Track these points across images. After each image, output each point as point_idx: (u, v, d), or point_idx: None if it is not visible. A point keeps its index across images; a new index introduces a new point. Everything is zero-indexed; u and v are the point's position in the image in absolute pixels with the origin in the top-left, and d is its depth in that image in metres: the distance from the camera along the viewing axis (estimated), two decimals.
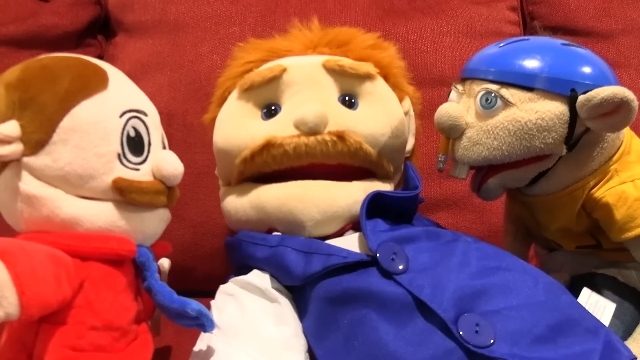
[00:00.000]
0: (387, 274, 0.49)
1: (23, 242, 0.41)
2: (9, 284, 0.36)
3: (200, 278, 0.79)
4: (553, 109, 0.49)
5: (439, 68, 0.85)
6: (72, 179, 0.45)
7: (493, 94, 0.51)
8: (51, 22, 0.89)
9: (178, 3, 0.88)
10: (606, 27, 0.89)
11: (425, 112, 0.71)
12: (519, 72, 0.51)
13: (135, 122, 0.48)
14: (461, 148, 0.53)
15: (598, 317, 0.50)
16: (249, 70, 0.62)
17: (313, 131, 0.55)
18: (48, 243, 0.43)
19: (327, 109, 0.56)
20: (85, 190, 0.46)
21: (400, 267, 0.49)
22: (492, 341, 0.44)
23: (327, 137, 0.55)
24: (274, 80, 0.59)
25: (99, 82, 0.47)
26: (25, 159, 0.44)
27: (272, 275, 0.55)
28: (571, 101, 0.49)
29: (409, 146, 0.66)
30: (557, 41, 0.53)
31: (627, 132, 0.55)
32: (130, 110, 0.48)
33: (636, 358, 0.45)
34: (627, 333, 0.54)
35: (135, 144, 0.48)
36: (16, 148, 0.43)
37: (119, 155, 0.47)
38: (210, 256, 0.80)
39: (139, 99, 0.51)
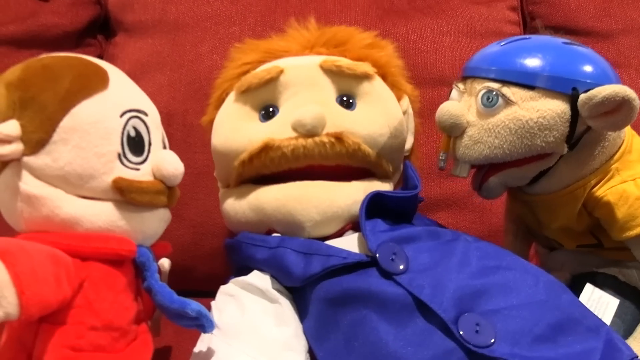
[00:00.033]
0: (387, 275, 0.49)
1: (23, 242, 0.41)
2: (8, 284, 0.36)
3: (200, 278, 0.79)
4: (554, 108, 0.49)
5: (439, 68, 0.85)
6: (72, 178, 0.45)
7: (494, 93, 0.51)
8: (51, 21, 0.89)
9: (178, 3, 0.88)
10: (606, 26, 0.89)
11: (425, 112, 0.71)
12: (520, 70, 0.51)
13: (135, 122, 0.48)
14: (462, 147, 0.53)
15: (600, 314, 0.51)
16: (246, 72, 0.62)
17: (311, 133, 0.55)
18: (48, 243, 0.43)
19: (324, 110, 0.56)
20: (85, 190, 0.46)
21: (400, 267, 0.49)
22: (492, 341, 0.43)
23: (325, 139, 0.55)
24: (271, 81, 0.59)
25: (99, 81, 0.47)
26: (26, 159, 0.44)
27: (272, 276, 0.55)
28: (572, 100, 0.49)
29: (408, 145, 0.65)
30: (559, 40, 0.53)
31: (628, 131, 0.55)
32: (130, 110, 0.48)
33: (637, 357, 0.45)
34: (628, 332, 0.54)
35: (136, 144, 0.48)
36: (16, 147, 0.43)
37: (119, 155, 0.47)
38: (210, 256, 0.80)
39: (140, 99, 0.51)
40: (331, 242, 0.54)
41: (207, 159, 0.67)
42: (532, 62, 0.50)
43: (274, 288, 0.54)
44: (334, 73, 0.59)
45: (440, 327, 0.45)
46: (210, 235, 0.80)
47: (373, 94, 0.60)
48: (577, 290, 0.54)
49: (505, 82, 0.51)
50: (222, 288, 0.57)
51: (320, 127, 0.55)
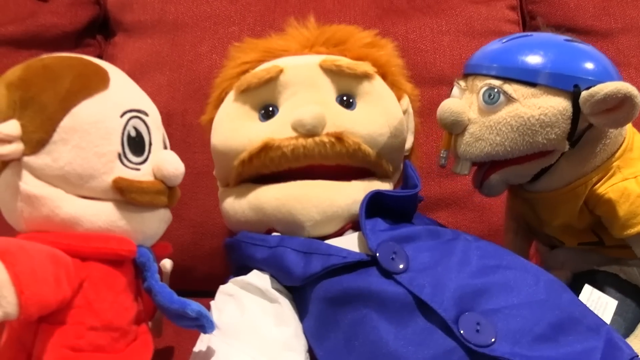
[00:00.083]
0: (387, 274, 0.49)
1: (23, 242, 0.41)
2: (8, 284, 0.36)
3: (200, 278, 0.79)
4: (556, 105, 0.49)
5: (439, 67, 0.85)
6: (72, 178, 0.45)
7: (496, 90, 0.51)
8: (50, 22, 0.89)
9: (177, 3, 0.88)
10: (605, 25, 0.89)
11: (425, 112, 0.71)
12: (521, 67, 0.51)
13: (136, 122, 0.48)
14: (463, 144, 0.53)
15: (600, 314, 0.50)
16: (246, 71, 0.62)
17: (311, 133, 0.55)
18: (48, 243, 0.43)
19: (324, 110, 0.56)
20: (85, 190, 0.46)
21: (401, 266, 0.49)
22: (493, 340, 0.43)
23: (325, 139, 0.55)
24: (271, 81, 0.59)
25: (100, 81, 0.47)
26: (26, 159, 0.44)
27: (272, 276, 0.55)
28: (574, 97, 0.49)
29: (408, 144, 0.65)
30: (560, 37, 0.54)
31: (629, 128, 0.55)
32: (131, 110, 0.48)
33: (638, 356, 0.45)
34: (629, 330, 0.54)
35: (136, 144, 0.48)
36: (17, 147, 0.43)
37: (119, 155, 0.47)
38: (210, 256, 0.80)
39: (140, 99, 0.51)
40: (331, 242, 0.54)
41: (207, 158, 0.67)
42: (534, 60, 0.50)
43: (273, 288, 0.54)
44: (333, 72, 0.59)
45: (440, 326, 0.45)
46: (209, 235, 0.80)
47: (373, 93, 0.60)
48: (578, 288, 0.54)
49: (506, 79, 0.51)
50: (222, 288, 0.57)
51: (321, 127, 0.55)
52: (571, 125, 0.50)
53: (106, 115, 0.46)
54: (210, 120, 0.64)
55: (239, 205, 0.59)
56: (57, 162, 0.44)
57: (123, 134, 0.47)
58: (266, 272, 0.55)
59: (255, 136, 0.56)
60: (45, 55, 0.47)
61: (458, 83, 0.55)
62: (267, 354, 0.49)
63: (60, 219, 0.45)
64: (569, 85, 0.49)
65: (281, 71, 0.59)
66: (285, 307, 0.53)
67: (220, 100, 0.64)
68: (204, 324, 0.49)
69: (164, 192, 0.50)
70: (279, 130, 0.56)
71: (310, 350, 0.53)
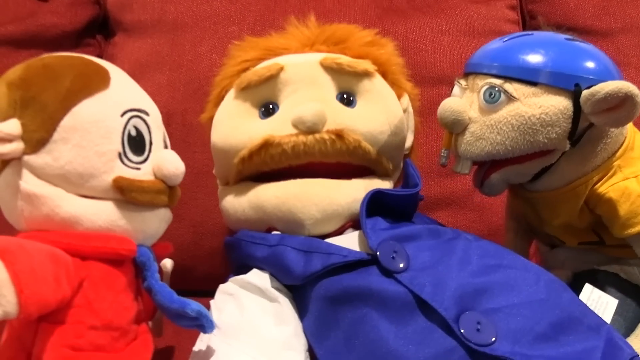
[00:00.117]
0: (388, 273, 0.49)
1: (23, 241, 0.40)
2: (7, 283, 0.36)
3: (200, 277, 0.79)
4: (557, 104, 0.49)
5: (439, 67, 0.85)
6: (73, 177, 0.45)
7: (497, 89, 0.51)
8: (50, 21, 0.89)
9: (177, 2, 0.88)
10: (605, 25, 0.89)
11: (425, 111, 0.71)
12: (522, 66, 0.51)
13: (136, 122, 0.48)
14: (464, 143, 0.53)
15: (600, 313, 0.50)
16: (246, 69, 0.62)
17: (311, 130, 0.55)
18: (48, 242, 0.43)
19: (325, 108, 0.56)
20: (85, 189, 0.46)
21: (401, 265, 0.49)
22: (493, 339, 0.43)
23: (326, 136, 0.55)
24: (271, 79, 0.59)
25: (100, 81, 0.47)
26: (26, 158, 0.44)
27: (271, 275, 0.55)
28: (575, 96, 0.49)
29: (408, 143, 0.65)
30: (561, 36, 0.54)
31: (630, 128, 0.55)
32: (131, 110, 0.48)
33: (638, 355, 0.45)
34: (630, 330, 0.54)
35: (137, 143, 0.48)
36: (17, 146, 0.43)
37: (119, 154, 0.47)
38: (209, 255, 0.80)
39: (141, 99, 0.51)
40: (331, 240, 0.54)
41: (207, 158, 0.67)
42: (535, 58, 0.50)
43: (273, 287, 0.54)
44: (334, 70, 0.59)
45: (441, 325, 0.45)
46: (209, 235, 0.80)
47: (373, 91, 0.60)
48: (578, 287, 0.54)
49: (507, 78, 0.51)
50: (222, 287, 0.56)
51: (321, 124, 0.55)
52: (572, 125, 0.50)
53: (107, 115, 0.46)
54: (210, 119, 0.64)
55: (239, 203, 0.59)
56: (57, 161, 0.44)
57: (123, 133, 0.47)
58: (266, 271, 0.55)
59: (256, 133, 0.56)
60: (45, 55, 0.47)
61: (459, 82, 0.55)
62: (267, 353, 0.49)
63: (61, 218, 0.45)
64: (569, 84, 0.49)
65: (282, 69, 0.59)
66: (285, 306, 0.53)
67: (220, 99, 0.64)
68: (203, 324, 0.49)
69: (165, 192, 0.50)
70: (279, 128, 0.56)
71: (310, 350, 0.52)
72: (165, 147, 0.53)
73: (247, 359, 0.48)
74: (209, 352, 0.50)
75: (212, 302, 0.56)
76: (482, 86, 0.52)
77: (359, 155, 0.57)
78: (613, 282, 0.56)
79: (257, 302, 0.53)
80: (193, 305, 0.48)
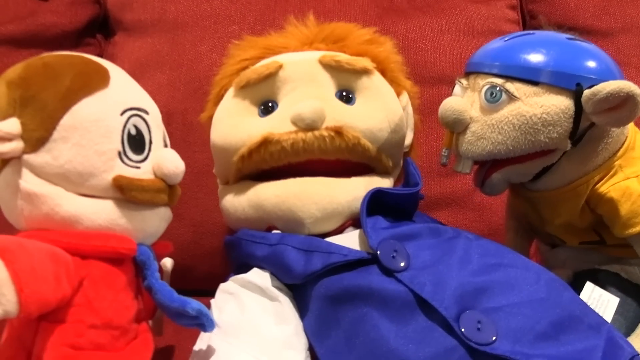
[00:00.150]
0: (388, 272, 0.49)
1: (23, 240, 0.40)
2: (7, 282, 0.36)
3: (200, 277, 0.79)
4: (558, 104, 0.49)
5: (439, 66, 0.85)
6: (73, 176, 0.45)
7: (498, 88, 0.51)
8: (50, 21, 0.89)
9: (177, 2, 0.88)
10: (605, 25, 0.89)
11: (425, 111, 0.71)
12: (524, 66, 0.50)
13: (136, 120, 0.48)
14: (465, 142, 0.53)
15: (601, 312, 0.51)
16: (245, 68, 0.62)
17: (310, 127, 0.55)
18: (48, 241, 0.43)
19: (324, 105, 0.56)
20: (85, 188, 0.46)
21: (401, 264, 0.49)
22: (494, 338, 0.43)
23: (325, 133, 0.55)
24: (270, 77, 0.59)
25: (100, 80, 0.47)
26: (26, 157, 0.44)
27: (272, 274, 0.55)
28: (576, 95, 0.49)
29: (408, 141, 0.65)
30: (562, 35, 0.54)
31: (631, 127, 0.55)
32: (131, 109, 0.48)
33: (639, 354, 0.45)
34: (630, 329, 0.54)
35: (136, 142, 0.48)
36: (17, 145, 0.43)
37: (119, 153, 0.47)
38: (210, 255, 0.80)
39: (141, 97, 0.51)
40: (332, 239, 0.54)
41: (207, 158, 0.67)
42: (536, 58, 0.50)
43: (273, 286, 0.54)
44: (333, 68, 0.59)
45: (441, 324, 0.45)
46: (210, 234, 0.80)
47: (372, 88, 0.60)
48: (579, 287, 0.54)
49: (508, 78, 0.51)
50: (222, 286, 0.56)
51: (320, 121, 0.55)
52: (573, 124, 0.50)
53: (106, 114, 0.46)
54: (210, 118, 0.64)
55: (239, 202, 0.59)
56: (57, 160, 0.44)
57: (123, 132, 0.47)
58: (266, 270, 0.55)
59: (255, 131, 0.56)
60: (45, 54, 0.47)
61: (460, 81, 0.55)
62: (267, 352, 0.49)
63: (61, 217, 0.45)
64: (571, 84, 0.49)
65: (280, 67, 0.59)
66: (285, 305, 0.53)
67: (219, 98, 0.64)
68: (204, 323, 0.49)
69: (164, 191, 0.50)
70: (278, 125, 0.56)
71: (311, 349, 0.52)
72: (165, 146, 0.53)
73: (247, 358, 0.48)
74: (209, 351, 0.50)
75: (212, 301, 0.56)
76: (483, 85, 0.52)
77: (359, 152, 0.57)
78: (614, 282, 0.56)
79: (257, 301, 0.53)
80: (193, 303, 0.48)
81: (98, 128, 0.45)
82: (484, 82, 0.52)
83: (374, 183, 0.57)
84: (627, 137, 0.54)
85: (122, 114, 0.47)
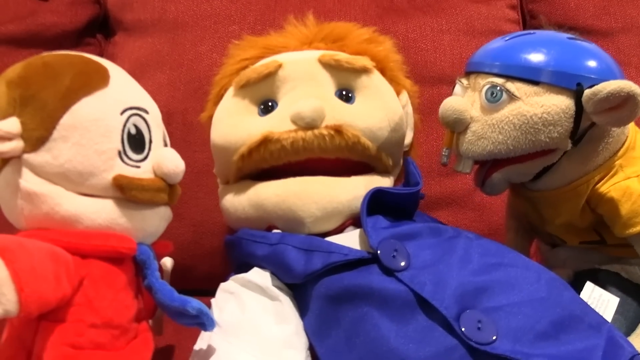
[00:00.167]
0: (389, 271, 0.49)
1: (23, 239, 0.40)
2: (7, 281, 0.36)
3: (200, 277, 0.79)
4: (559, 103, 0.49)
5: (439, 66, 0.85)
6: (72, 176, 0.45)
7: (498, 88, 0.51)
8: (50, 21, 0.89)
9: (177, 2, 0.88)
10: (606, 25, 0.89)
11: (425, 111, 0.71)
12: (524, 65, 0.50)
13: (136, 120, 0.48)
14: (465, 142, 0.53)
15: (601, 312, 0.51)
16: (245, 68, 0.62)
17: (310, 126, 0.55)
18: (48, 240, 0.43)
19: (324, 104, 0.56)
20: (85, 188, 0.46)
21: (402, 264, 0.49)
22: (494, 338, 0.43)
23: (325, 131, 0.55)
24: (270, 76, 0.59)
25: (100, 79, 0.47)
26: (26, 156, 0.44)
27: (272, 273, 0.55)
28: (577, 95, 0.49)
29: (408, 140, 0.65)
30: (563, 35, 0.54)
31: (632, 127, 0.55)
32: (131, 108, 0.48)
33: (639, 354, 0.45)
34: (630, 329, 0.54)
35: (136, 142, 0.48)
36: (17, 145, 0.43)
37: (119, 153, 0.47)
38: (210, 255, 0.80)
39: (141, 97, 0.51)
40: (332, 239, 0.54)
41: (207, 157, 0.67)
42: (537, 57, 0.50)
43: (274, 285, 0.54)
44: (332, 67, 0.59)
45: (441, 324, 0.45)
46: (210, 234, 0.80)
47: (372, 87, 0.60)
48: (580, 287, 0.54)
49: (509, 77, 0.51)
50: (222, 285, 0.56)
51: (320, 120, 0.55)
52: (574, 124, 0.50)
53: (106, 113, 0.46)
54: (210, 117, 0.64)
55: (239, 202, 0.59)
56: (57, 160, 0.44)
57: (123, 131, 0.47)
58: (267, 269, 0.55)
59: (255, 130, 0.56)
60: (45, 53, 0.47)
61: (460, 81, 0.55)
62: (267, 352, 0.49)
63: (61, 217, 0.45)
64: (571, 84, 0.49)
65: (280, 66, 0.59)
66: (285, 305, 0.53)
67: (219, 97, 0.64)
68: (204, 322, 0.49)
69: (165, 190, 0.50)
70: (278, 124, 0.56)
71: (311, 348, 0.52)
72: (165, 145, 0.53)
73: (248, 357, 0.48)
74: (209, 350, 0.50)
75: (213, 300, 0.56)
76: (483, 85, 0.52)
77: (358, 151, 0.57)
78: (614, 282, 0.56)
79: (258, 300, 0.53)
80: (194, 303, 0.48)
81: (98, 127, 0.45)
82: (484, 82, 0.52)
83: (374, 182, 0.57)
84: (627, 136, 0.54)
85: (122, 113, 0.47)
